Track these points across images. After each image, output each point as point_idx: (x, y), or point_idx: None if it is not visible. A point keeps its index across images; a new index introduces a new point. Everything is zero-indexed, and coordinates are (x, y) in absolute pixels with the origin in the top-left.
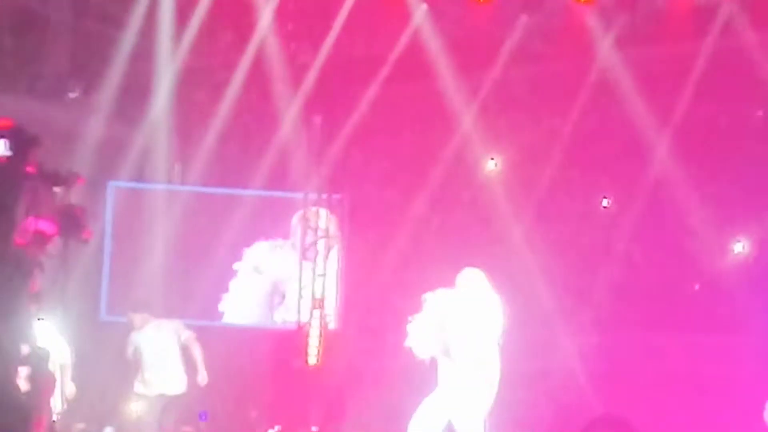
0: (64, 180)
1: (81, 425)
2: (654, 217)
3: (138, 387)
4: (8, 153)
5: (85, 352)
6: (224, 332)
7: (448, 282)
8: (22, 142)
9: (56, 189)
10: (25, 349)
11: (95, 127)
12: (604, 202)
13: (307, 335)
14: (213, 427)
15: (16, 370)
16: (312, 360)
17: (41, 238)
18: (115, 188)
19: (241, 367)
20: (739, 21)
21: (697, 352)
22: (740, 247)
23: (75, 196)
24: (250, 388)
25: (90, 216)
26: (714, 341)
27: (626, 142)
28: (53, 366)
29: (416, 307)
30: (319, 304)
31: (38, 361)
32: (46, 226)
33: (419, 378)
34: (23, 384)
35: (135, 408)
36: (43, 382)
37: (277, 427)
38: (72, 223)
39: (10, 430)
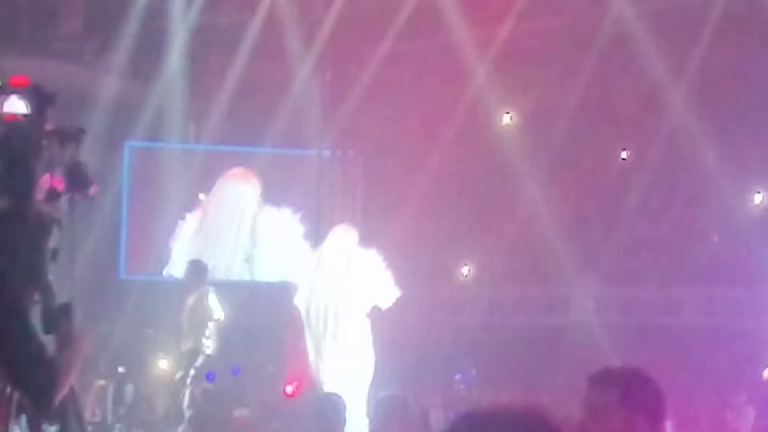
0: (73, 136)
1: (101, 382)
2: (672, 169)
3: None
4: (27, 111)
5: (104, 310)
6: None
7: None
8: (40, 99)
9: (65, 146)
10: (49, 306)
11: (110, 86)
12: (623, 155)
13: None
14: (237, 381)
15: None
16: None
17: (54, 195)
18: (131, 148)
19: (263, 323)
20: None
21: (716, 305)
22: (759, 198)
23: (92, 155)
24: (273, 344)
25: (107, 176)
26: (733, 293)
27: (642, 93)
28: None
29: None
30: None
31: (66, 318)
32: (57, 182)
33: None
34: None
35: (160, 366)
36: (73, 340)
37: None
38: (79, 179)
39: (36, 386)
